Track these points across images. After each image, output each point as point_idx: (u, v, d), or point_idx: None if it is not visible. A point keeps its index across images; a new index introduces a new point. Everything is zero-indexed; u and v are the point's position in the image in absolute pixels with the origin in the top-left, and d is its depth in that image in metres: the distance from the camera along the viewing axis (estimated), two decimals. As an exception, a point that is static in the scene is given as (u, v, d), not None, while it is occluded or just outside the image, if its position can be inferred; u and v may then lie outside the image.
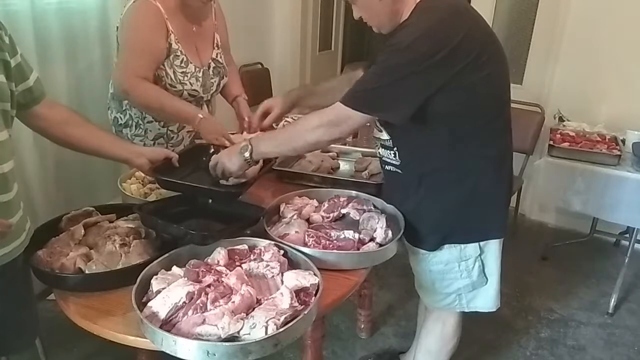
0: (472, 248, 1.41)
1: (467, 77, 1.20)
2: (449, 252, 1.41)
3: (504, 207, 1.43)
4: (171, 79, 1.69)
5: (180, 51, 1.69)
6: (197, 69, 1.76)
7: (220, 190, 1.35)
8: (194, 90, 1.76)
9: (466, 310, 1.53)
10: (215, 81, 1.85)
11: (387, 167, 1.45)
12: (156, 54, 1.65)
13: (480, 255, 1.42)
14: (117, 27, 1.70)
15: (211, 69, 1.83)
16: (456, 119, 1.26)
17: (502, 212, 1.43)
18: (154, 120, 1.80)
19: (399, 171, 1.41)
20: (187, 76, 1.73)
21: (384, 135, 1.39)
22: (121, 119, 1.83)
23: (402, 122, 1.24)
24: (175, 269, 1.07)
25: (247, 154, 1.31)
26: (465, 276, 1.44)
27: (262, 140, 1.36)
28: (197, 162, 1.48)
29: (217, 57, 1.85)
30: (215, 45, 1.85)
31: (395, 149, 1.38)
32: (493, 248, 1.43)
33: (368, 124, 1.36)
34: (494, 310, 1.51)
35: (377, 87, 1.21)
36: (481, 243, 1.41)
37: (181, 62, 1.70)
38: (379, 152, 1.46)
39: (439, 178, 1.35)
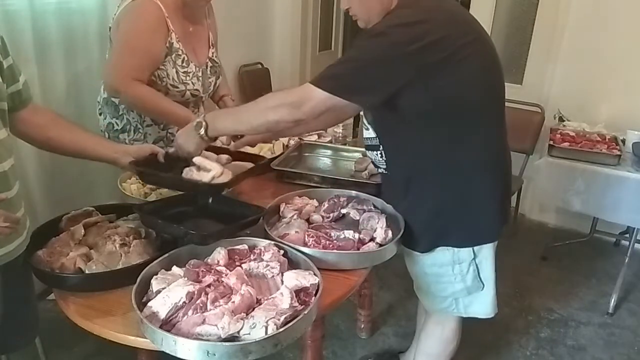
0: (465, 252, 1.38)
1: (438, 78, 1.17)
2: (442, 255, 1.39)
3: (497, 211, 1.37)
4: (173, 79, 1.67)
5: (182, 50, 1.68)
6: (197, 69, 1.75)
7: (200, 183, 1.30)
8: (196, 90, 1.75)
9: (464, 316, 1.52)
10: (212, 80, 1.84)
11: (379, 170, 1.46)
12: (154, 56, 1.62)
13: (474, 259, 1.39)
14: (110, 27, 1.68)
15: (209, 68, 1.82)
16: (432, 121, 1.24)
17: (495, 216, 1.38)
18: (153, 124, 1.79)
19: (387, 172, 1.42)
20: (189, 76, 1.71)
21: (371, 133, 1.40)
22: (117, 125, 1.80)
23: (370, 107, 1.24)
24: (175, 269, 1.07)
25: (202, 131, 1.27)
26: (459, 280, 1.41)
27: (218, 116, 1.31)
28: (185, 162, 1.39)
29: (212, 56, 1.84)
30: (210, 44, 1.83)
31: (380, 147, 1.39)
32: (487, 253, 1.40)
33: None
34: (492, 316, 1.49)
35: (345, 70, 1.19)
36: (475, 248, 1.38)
37: (182, 61, 1.69)
38: (368, 155, 1.49)
39: (426, 181, 1.33)
